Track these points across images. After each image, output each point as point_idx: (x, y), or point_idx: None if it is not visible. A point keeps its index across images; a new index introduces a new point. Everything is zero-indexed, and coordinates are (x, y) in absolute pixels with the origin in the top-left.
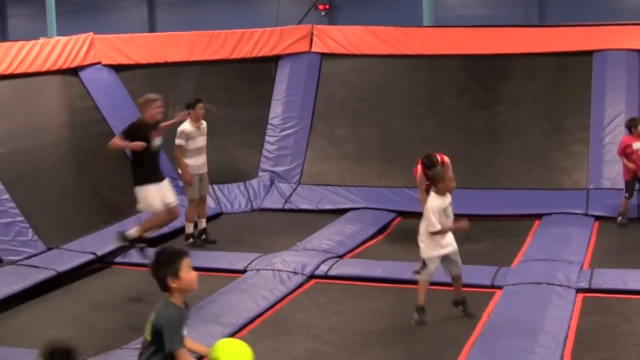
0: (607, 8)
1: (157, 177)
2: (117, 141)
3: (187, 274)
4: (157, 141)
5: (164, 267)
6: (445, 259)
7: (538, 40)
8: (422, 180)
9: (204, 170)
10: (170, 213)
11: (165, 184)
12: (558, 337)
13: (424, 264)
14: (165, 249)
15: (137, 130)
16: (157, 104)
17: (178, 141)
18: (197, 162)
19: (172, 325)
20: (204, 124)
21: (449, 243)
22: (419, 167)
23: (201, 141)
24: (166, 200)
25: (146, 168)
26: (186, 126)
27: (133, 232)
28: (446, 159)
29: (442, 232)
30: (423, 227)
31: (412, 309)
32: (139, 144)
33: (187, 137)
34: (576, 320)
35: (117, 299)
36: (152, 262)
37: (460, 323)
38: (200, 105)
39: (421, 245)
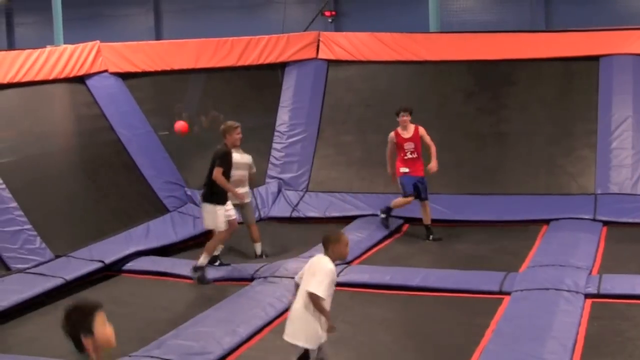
0: (613, 13)
1: (225, 200)
2: (221, 178)
3: (103, 330)
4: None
5: (77, 324)
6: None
7: (544, 45)
8: (393, 147)
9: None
10: (230, 226)
11: (229, 203)
12: (567, 342)
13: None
14: (77, 303)
15: (228, 157)
16: (237, 131)
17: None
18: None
19: None
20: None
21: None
22: (392, 133)
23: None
24: (230, 217)
25: (222, 192)
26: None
27: (202, 259)
28: (421, 128)
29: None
30: (300, 304)
31: (420, 316)
32: (240, 194)
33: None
34: (585, 326)
35: (125, 307)
36: (63, 320)
37: (469, 329)
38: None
39: (295, 323)
